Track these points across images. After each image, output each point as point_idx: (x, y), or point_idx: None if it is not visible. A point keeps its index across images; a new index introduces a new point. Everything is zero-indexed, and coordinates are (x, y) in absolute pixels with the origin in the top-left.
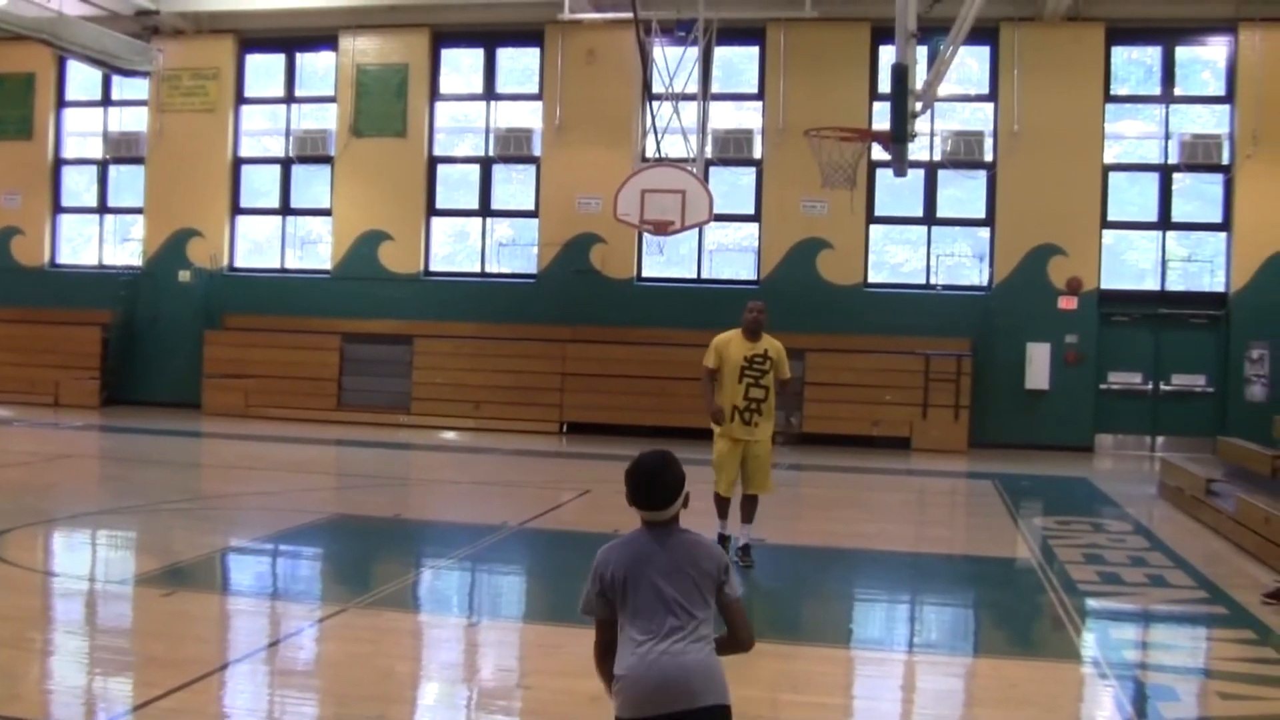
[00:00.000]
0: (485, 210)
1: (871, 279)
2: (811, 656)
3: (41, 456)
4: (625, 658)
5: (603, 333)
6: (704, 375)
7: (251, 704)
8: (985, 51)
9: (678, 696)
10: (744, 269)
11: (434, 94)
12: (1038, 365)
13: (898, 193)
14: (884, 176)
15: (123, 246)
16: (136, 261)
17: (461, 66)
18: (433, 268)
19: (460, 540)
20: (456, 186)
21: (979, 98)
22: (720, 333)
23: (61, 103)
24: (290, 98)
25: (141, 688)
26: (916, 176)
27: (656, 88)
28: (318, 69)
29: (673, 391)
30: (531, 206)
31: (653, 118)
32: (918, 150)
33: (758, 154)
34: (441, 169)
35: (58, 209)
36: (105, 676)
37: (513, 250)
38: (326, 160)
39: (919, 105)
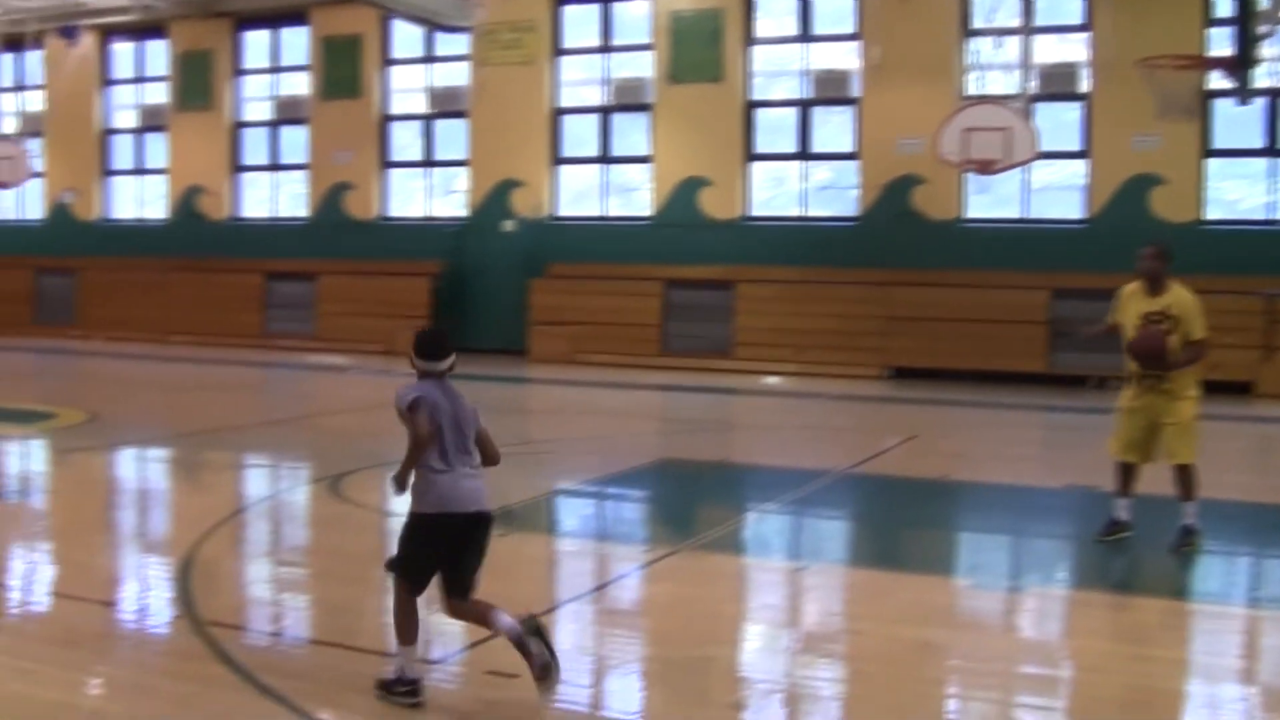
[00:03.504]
0: (804, 154)
1: (1209, 215)
2: (1146, 608)
3: (375, 403)
4: (432, 475)
5: (926, 275)
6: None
7: (583, 643)
8: None
9: (479, 500)
10: (1070, 208)
11: (749, 38)
12: None
13: (1239, 123)
14: (1224, 106)
15: (448, 198)
16: (462, 213)
17: (775, 9)
18: (752, 212)
19: (786, 485)
20: (774, 130)
21: None
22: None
23: (387, 61)
24: (606, 47)
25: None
26: (1260, 105)
27: (977, 22)
28: (632, 17)
29: (998, 335)
30: (850, 149)
31: (974, 54)
32: (1264, 76)
33: (1084, 88)
34: (759, 113)
35: (386, 164)
36: (443, 613)
37: (832, 193)
38: (644, 108)
39: (1265, 26)
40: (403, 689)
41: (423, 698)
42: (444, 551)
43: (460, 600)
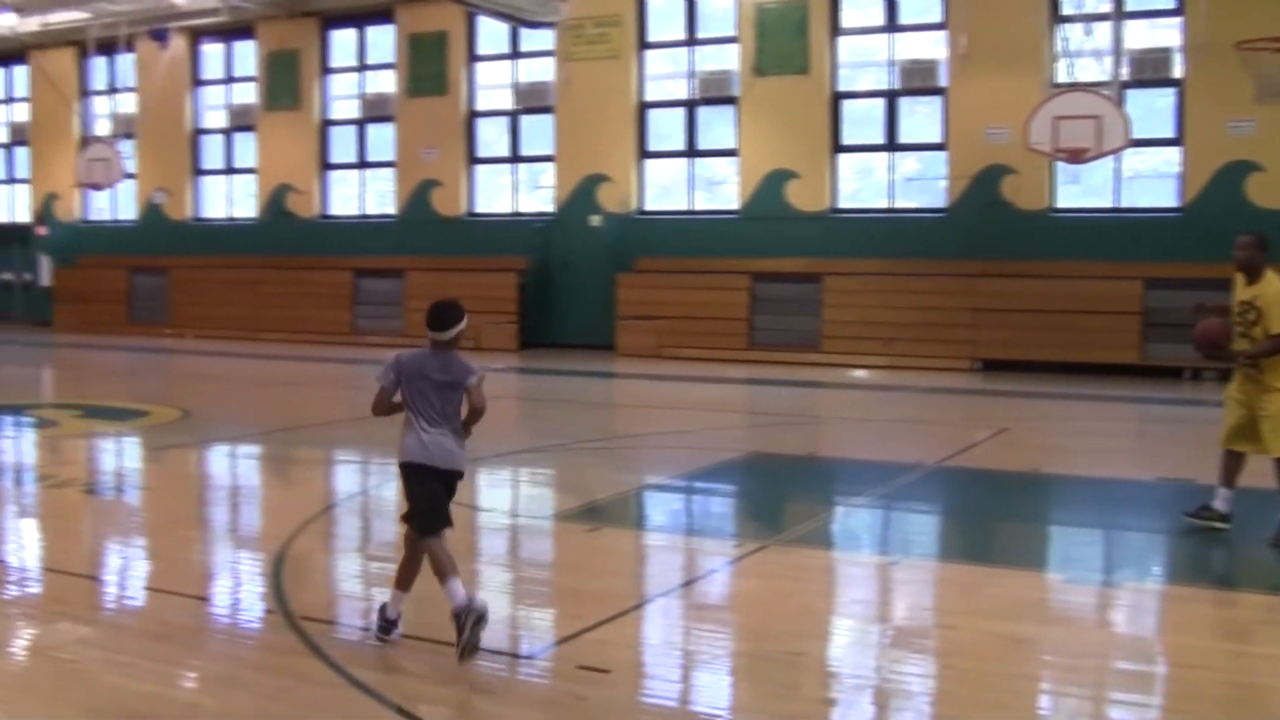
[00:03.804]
0: (891, 145)
1: None
2: (1246, 603)
3: None
4: (410, 431)
5: (1015, 266)
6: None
7: (674, 638)
8: None
9: (447, 460)
10: (1163, 196)
11: (835, 29)
12: None
13: None
14: None
15: (534, 194)
16: (548, 208)
17: None
18: (839, 205)
19: (875, 479)
20: (861, 122)
21: None
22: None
23: (473, 58)
24: (691, 40)
25: (568, 620)
26: None
27: (1066, 9)
28: (717, 10)
29: (1089, 326)
30: (938, 139)
31: (1063, 41)
32: None
33: (1177, 73)
34: (845, 105)
35: (473, 160)
36: (533, 608)
37: (920, 184)
38: (730, 101)
39: None
40: (467, 618)
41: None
42: (442, 490)
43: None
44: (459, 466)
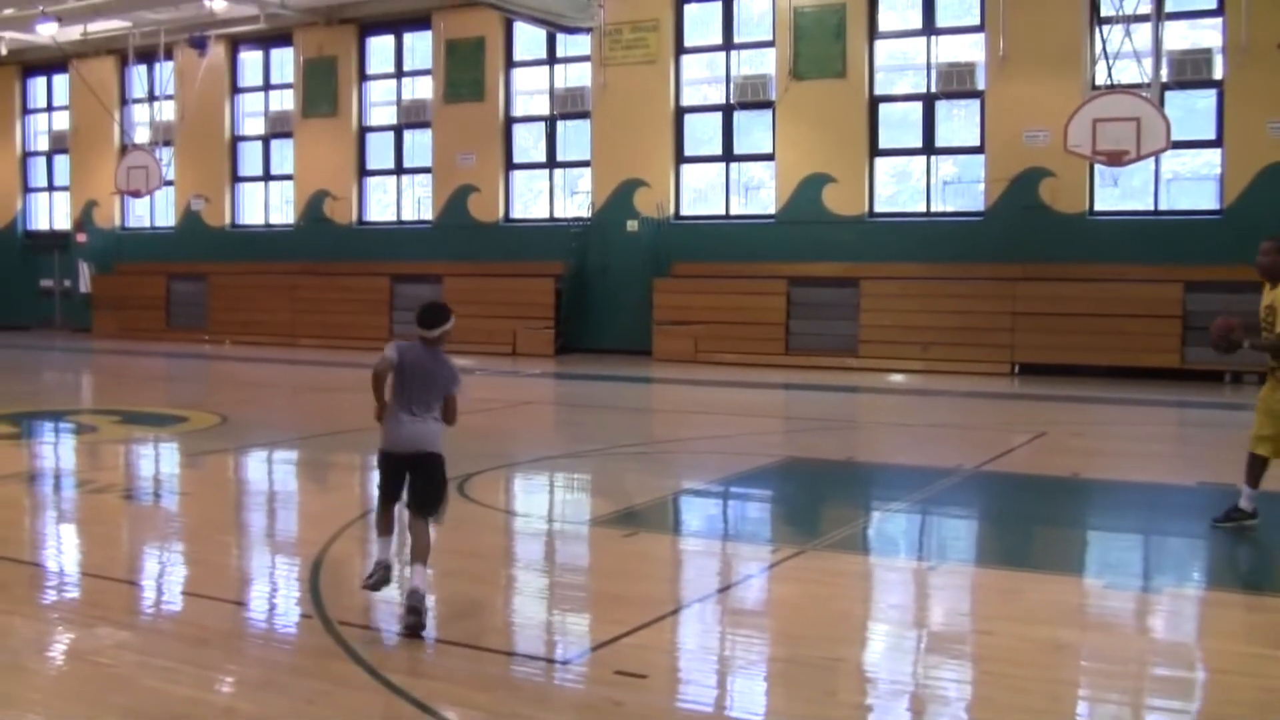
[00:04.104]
0: (929, 148)
1: None
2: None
3: (503, 403)
4: (391, 417)
5: (1054, 270)
6: None
7: (711, 643)
8: None
9: (417, 443)
10: (1204, 199)
11: (872, 32)
12: None
13: None
14: None
15: (571, 199)
16: (585, 213)
17: (899, 2)
18: (877, 209)
19: (912, 484)
20: (898, 125)
21: None
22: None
23: (510, 63)
24: (729, 45)
25: (605, 625)
26: None
27: (1106, 10)
28: (754, 14)
29: (1130, 330)
30: (976, 142)
31: (1103, 43)
32: None
33: (1218, 74)
34: (883, 108)
35: (510, 166)
36: (570, 613)
37: (957, 188)
38: (767, 105)
39: None
40: (378, 572)
41: (385, 578)
42: (393, 477)
43: (414, 514)
44: (431, 449)
